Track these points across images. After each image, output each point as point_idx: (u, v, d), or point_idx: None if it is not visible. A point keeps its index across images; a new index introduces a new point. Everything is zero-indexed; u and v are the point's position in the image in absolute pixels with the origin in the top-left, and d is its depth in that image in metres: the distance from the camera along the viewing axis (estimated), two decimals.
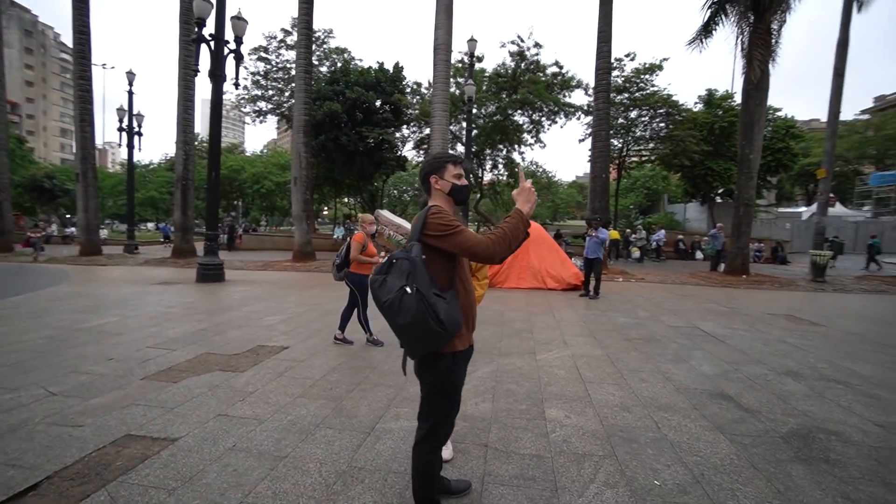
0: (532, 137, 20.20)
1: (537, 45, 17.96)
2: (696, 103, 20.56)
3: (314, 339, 5.00)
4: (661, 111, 19.04)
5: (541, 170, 35.04)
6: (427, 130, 20.96)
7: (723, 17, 11.27)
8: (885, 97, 59.51)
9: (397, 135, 21.46)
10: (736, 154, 20.47)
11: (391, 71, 20.22)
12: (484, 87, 18.69)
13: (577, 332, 5.66)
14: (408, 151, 22.76)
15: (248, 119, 21.06)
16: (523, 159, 21.78)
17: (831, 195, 17.22)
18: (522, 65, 18.34)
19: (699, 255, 18.56)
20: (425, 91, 20.59)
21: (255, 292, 8.10)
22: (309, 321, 5.91)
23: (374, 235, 16.48)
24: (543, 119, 19.39)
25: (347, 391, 3.46)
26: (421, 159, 23.09)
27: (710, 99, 20.54)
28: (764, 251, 18.67)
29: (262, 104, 20.92)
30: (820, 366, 4.45)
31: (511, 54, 18.32)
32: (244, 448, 2.52)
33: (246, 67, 19.62)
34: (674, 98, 18.59)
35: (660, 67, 18.27)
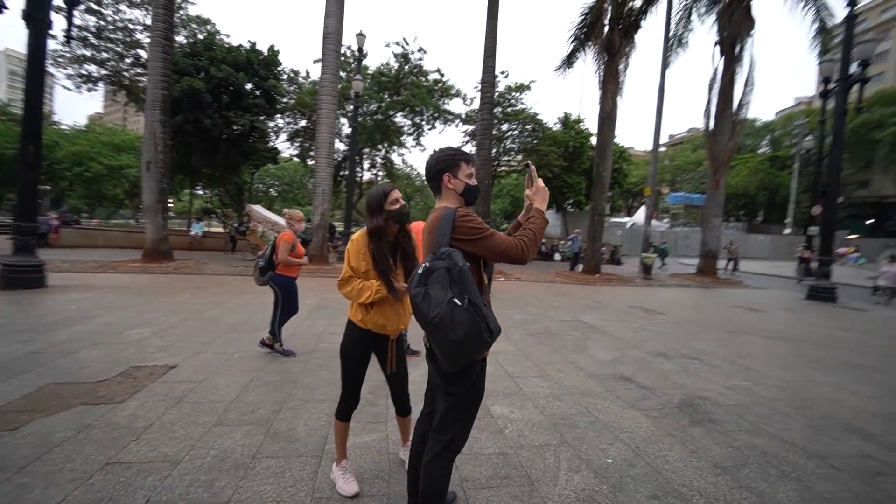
0: (413, 140, 20.57)
1: (421, 49, 18.40)
2: (555, 123, 23.55)
3: (206, 354, 4.24)
4: (529, 127, 21.30)
5: (415, 172, 35.92)
6: (303, 122, 19.64)
7: (584, 52, 13.20)
8: (674, 136, 77.20)
9: (270, 124, 19.56)
10: (586, 170, 24.14)
11: (265, 53, 18.32)
12: (366, 85, 18.35)
13: None
14: (281, 143, 20.96)
15: (69, 84, 16.66)
16: (403, 161, 22.08)
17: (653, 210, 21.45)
18: (406, 67, 18.54)
19: (557, 256, 21.27)
20: (303, 80, 19.26)
21: (101, 300, 6.50)
22: (190, 333, 4.99)
23: (244, 232, 14.87)
24: (424, 123, 19.92)
25: (274, 412, 3.02)
26: (296, 152, 21.52)
27: (566, 121, 23.73)
28: (605, 253, 22.31)
29: (93, 68, 16.83)
30: (677, 347, 5.50)
31: (396, 55, 18.39)
32: (164, 503, 1.99)
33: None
34: (538, 116, 20.99)
35: (528, 88, 20.43)
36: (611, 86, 11.89)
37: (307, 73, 19.88)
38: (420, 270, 1.53)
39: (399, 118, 19.76)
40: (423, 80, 18.58)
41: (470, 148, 22.90)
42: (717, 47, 13.07)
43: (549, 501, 2.13)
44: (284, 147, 21.35)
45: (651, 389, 3.86)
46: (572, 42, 13.13)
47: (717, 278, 14.59)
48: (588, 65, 12.85)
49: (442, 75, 19.15)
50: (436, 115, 19.58)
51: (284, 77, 19.08)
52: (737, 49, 12.77)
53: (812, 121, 37.68)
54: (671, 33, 14.52)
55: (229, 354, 4.26)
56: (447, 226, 1.59)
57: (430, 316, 1.44)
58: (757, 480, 2.43)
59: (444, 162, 1.73)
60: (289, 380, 3.68)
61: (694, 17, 14.36)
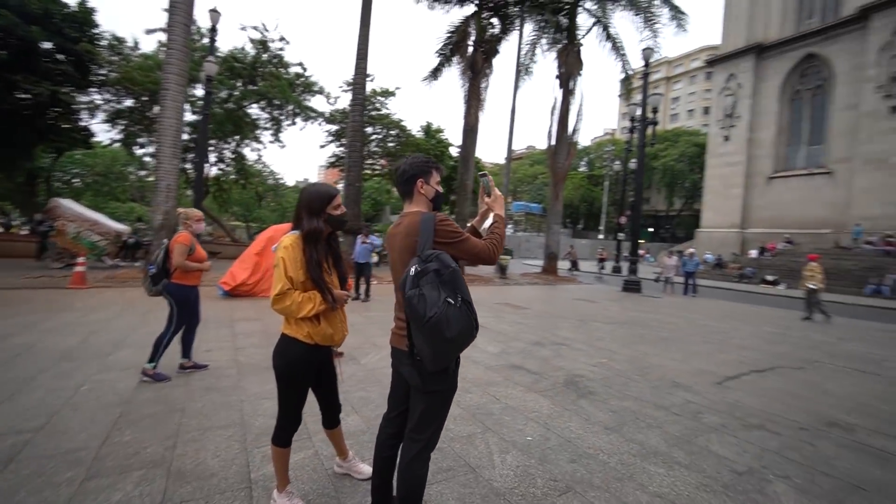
0: (272, 135, 18.94)
1: (283, 39, 17.09)
2: (417, 131, 24.40)
3: (34, 394, 3.27)
4: (393, 133, 21.65)
5: (268, 170, 33.17)
6: (130, 101, 16.33)
7: (449, 67, 14.15)
8: (514, 151, 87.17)
9: (84, 99, 15.63)
10: (445, 178, 25.65)
11: (75, 8, 14.53)
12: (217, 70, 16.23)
13: (377, 334, 5.91)
14: (98, 124, 16.91)
15: None
16: (259, 157, 20.15)
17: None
18: (265, 55, 17.00)
19: None
20: (130, 51, 15.96)
21: None
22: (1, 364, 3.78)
23: (46, 233, 11.85)
24: (283, 118, 18.54)
25: (167, 448, 2.54)
26: (118, 136, 17.67)
27: (428, 129, 24.84)
28: None
29: None
30: (547, 336, 6.35)
31: (252, 41, 16.68)
32: None
33: None
34: (403, 123, 21.50)
35: (392, 94, 20.76)
36: (474, 102, 13.03)
37: (136, 42, 16.58)
38: (412, 272, 1.56)
39: (255, 110, 17.97)
40: (284, 71, 17.30)
41: (335, 149, 22.18)
42: (557, 80, 15.41)
43: (493, 482, 2.33)
44: (102, 129, 17.41)
45: (540, 374, 4.42)
46: (439, 57, 13.97)
47: (558, 276, 17.12)
48: (453, 79, 13.87)
49: (304, 69, 18.14)
50: (297, 110, 18.41)
51: (104, 44, 15.50)
52: (571, 84, 15.27)
53: (617, 149, 47.03)
54: (521, 62, 16.59)
55: (73, 390, 3.38)
56: (429, 229, 1.66)
57: (427, 315, 1.50)
58: (635, 433, 3.05)
59: (419, 168, 1.80)
60: (174, 408, 3.12)
61: (538, 51, 16.65)
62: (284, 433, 1.97)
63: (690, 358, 5.45)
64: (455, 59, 13.70)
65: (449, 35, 13.59)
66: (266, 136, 19.59)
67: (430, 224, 1.67)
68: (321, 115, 19.72)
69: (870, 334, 8.30)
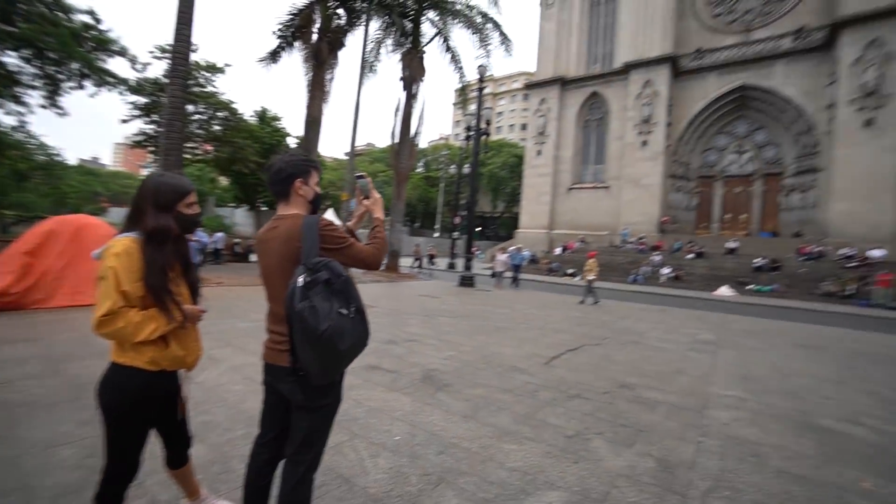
0: (44, 97, 14.37)
1: None
2: (251, 116, 21.89)
3: None
4: (221, 115, 18.92)
5: (36, 142, 25.12)
6: None
7: (290, 51, 13.07)
8: (355, 147, 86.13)
9: None
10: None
11: None
12: None
13: (214, 345, 5.13)
14: None
15: None
16: (21, 123, 15.19)
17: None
18: None
19: (254, 257, 19.90)
20: None
21: None
22: None
23: None
24: (64, 78, 14.30)
25: None
26: None
27: (263, 116, 22.50)
28: None
29: None
30: (398, 333, 6.50)
31: None
32: None
33: None
34: (233, 105, 18.98)
35: (221, 70, 18.11)
36: (318, 92, 12.37)
37: None
38: (300, 284, 1.44)
39: (13, 59, 13.34)
40: (62, 15, 13.31)
41: (142, 125, 18.28)
42: (402, 82, 15.82)
43: (369, 489, 2.31)
44: None
45: (397, 372, 4.52)
46: (279, 39, 12.80)
47: (400, 273, 17.62)
48: (296, 66, 12.87)
49: (98, 21, 14.28)
50: (85, 71, 14.43)
51: None
52: (414, 88, 15.88)
53: (452, 153, 50.68)
54: (366, 59, 16.47)
55: None
56: (314, 235, 1.55)
57: (320, 329, 1.41)
58: (488, 417, 3.41)
59: (298, 167, 1.67)
60: None
61: (383, 51, 16.82)
62: (116, 486, 1.58)
63: (523, 344, 6.32)
64: (298, 45, 12.75)
65: (291, 17, 12.57)
66: (35, 97, 14.80)
67: (314, 229, 1.56)
68: (123, 82, 15.90)
69: (633, 313, 10.95)
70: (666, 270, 22.26)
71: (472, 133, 15.24)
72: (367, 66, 17.09)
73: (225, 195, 30.58)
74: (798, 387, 4.93)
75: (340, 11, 13.78)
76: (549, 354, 5.72)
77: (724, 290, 19.27)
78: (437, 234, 45.12)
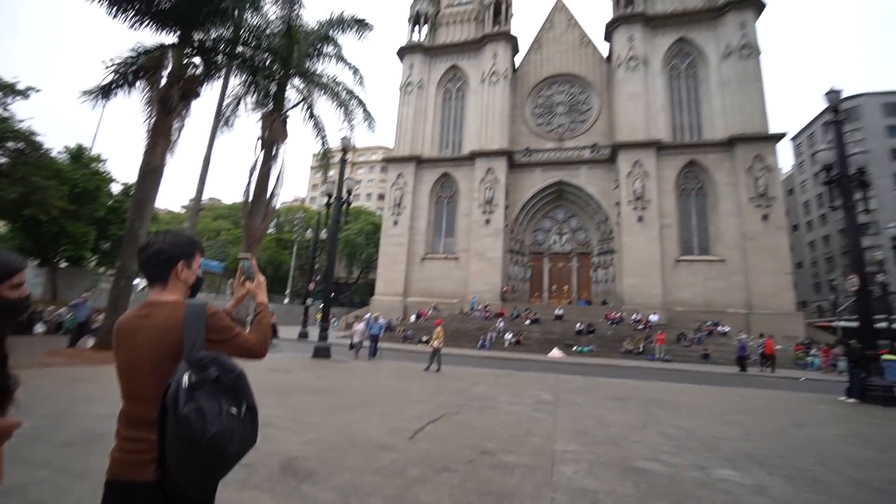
0: None
1: None
2: (61, 152, 17.85)
3: None
4: (15, 146, 14.98)
5: None
6: None
7: (127, 91, 11.53)
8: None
9: None
10: (98, 219, 19.62)
11: None
12: None
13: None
14: None
15: None
16: None
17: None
18: None
19: (40, 327, 15.34)
20: None
21: None
22: None
23: None
24: None
25: None
26: None
27: (79, 154, 18.56)
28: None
29: None
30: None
31: None
32: None
33: None
34: (37, 138, 15.28)
35: (22, 93, 14.65)
36: (162, 140, 11.01)
37: None
38: (185, 384, 1.28)
39: None
40: None
41: None
42: (260, 142, 15.24)
43: None
44: None
45: (252, 465, 3.95)
46: (115, 75, 11.21)
47: None
48: (135, 106, 11.17)
49: None
50: None
51: None
52: (274, 149, 15.42)
53: (307, 217, 49.21)
54: (222, 113, 15.56)
55: None
56: (199, 325, 1.44)
57: (209, 433, 1.27)
58: (357, 502, 3.22)
59: (182, 249, 1.56)
60: None
61: (242, 107, 16.14)
62: None
63: (386, 418, 6.18)
64: (140, 85, 11.36)
65: (134, 56, 11.26)
66: None
67: (199, 319, 1.44)
68: None
69: (484, 379, 11.75)
70: (509, 336, 24.68)
71: (332, 201, 15.30)
72: (222, 120, 16.11)
73: (7, 244, 23.41)
74: (616, 435, 5.91)
75: (197, 60, 12.96)
76: (413, 427, 5.71)
77: (556, 352, 22.17)
78: (286, 301, 41.83)
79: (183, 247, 1.55)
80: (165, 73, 11.83)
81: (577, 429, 6.18)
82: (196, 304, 1.50)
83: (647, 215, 29.92)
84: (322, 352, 13.89)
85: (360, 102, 17.31)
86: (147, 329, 1.42)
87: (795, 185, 56.43)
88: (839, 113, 11.20)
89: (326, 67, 16.97)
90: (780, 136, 29.57)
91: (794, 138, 57.27)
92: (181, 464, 1.27)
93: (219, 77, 15.14)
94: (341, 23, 16.36)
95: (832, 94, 11.37)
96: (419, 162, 37.25)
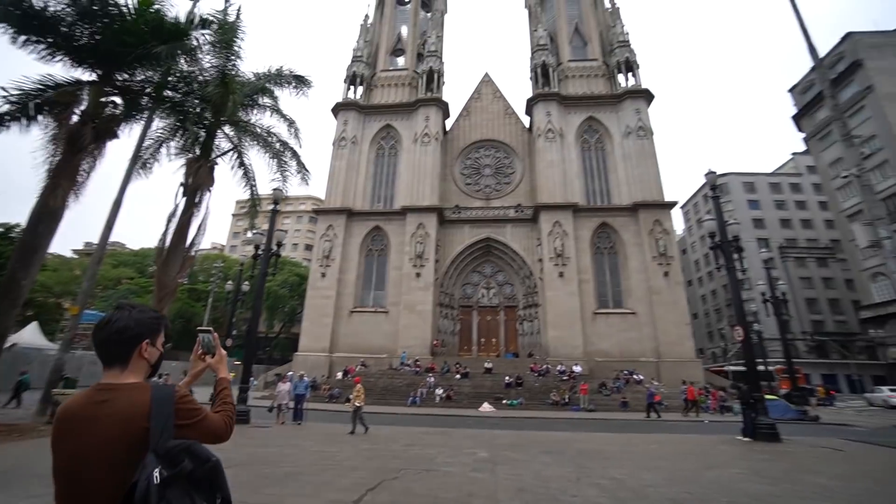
0: None
1: None
2: None
3: None
4: None
5: None
6: None
7: (25, 124, 10.35)
8: (91, 244, 68.90)
9: None
10: None
11: None
12: None
13: None
14: None
15: None
16: None
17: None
18: None
19: None
20: None
21: None
22: None
23: None
24: None
25: None
26: None
27: None
28: None
29: None
30: None
31: None
32: None
33: None
34: None
35: None
36: (66, 182, 9.88)
37: None
38: (155, 480, 1.17)
39: None
40: None
41: None
42: (182, 188, 14.33)
43: None
44: None
45: None
46: (9, 104, 10.00)
47: None
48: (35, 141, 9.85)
49: None
50: None
51: None
52: (198, 196, 14.55)
53: (227, 266, 45.90)
54: (140, 155, 14.57)
55: None
56: (168, 410, 1.32)
57: None
58: None
59: (147, 326, 1.46)
60: None
61: (164, 151, 15.22)
62: None
63: (320, 490, 5.70)
64: (44, 120, 10.27)
65: (40, 88, 10.25)
66: None
67: (168, 404, 1.33)
68: None
69: (419, 438, 11.33)
70: (439, 391, 24.21)
71: (261, 252, 14.61)
72: (139, 164, 15.01)
73: None
74: (555, 490, 6.00)
75: (118, 100, 12.17)
76: (349, 499, 5.33)
77: (486, 406, 22.09)
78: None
79: (149, 323, 1.46)
80: (79, 109, 10.94)
81: (518, 486, 6.18)
82: (162, 387, 1.41)
83: (566, 271, 32.19)
84: (240, 416, 12.53)
85: (295, 154, 17.21)
86: (105, 417, 1.27)
87: (687, 246, 64.63)
88: (716, 190, 13.47)
89: (261, 118, 16.76)
90: (673, 204, 34.27)
91: (682, 206, 66.40)
92: None
93: (140, 118, 14.33)
94: (280, 77, 16.55)
95: (710, 175, 13.72)
96: (350, 214, 37.07)
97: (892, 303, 35.48)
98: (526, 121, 41.69)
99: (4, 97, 10.48)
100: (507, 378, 25.97)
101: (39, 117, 10.58)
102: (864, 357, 42.50)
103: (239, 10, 14.91)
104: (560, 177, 35.61)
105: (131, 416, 1.28)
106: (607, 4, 43.50)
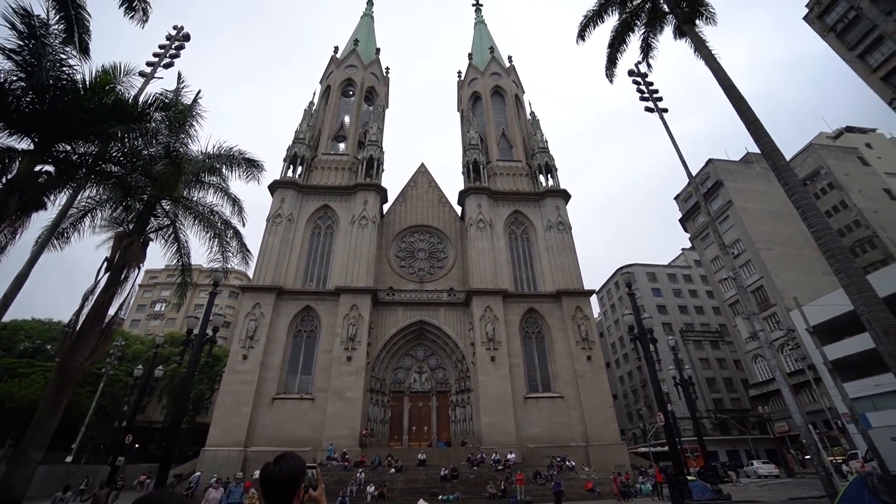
0: None
1: None
2: None
3: None
4: None
5: None
6: None
7: None
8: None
9: None
10: None
11: None
12: None
13: None
14: None
15: None
16: None
17: None
18: None
19: None
20: None
21: None
22: None
23: None
24: None
25: None
26: None
27: None
28: None
29: None
30: None
31: None
32: None
33: None
34: None
35: None
36: None
37: None
38: None
39: None
40: None
41: None
42: (107, 263, 13.29)
43: None
44: None
45: None
46: None
47: None
48: None
49: None
50: None
51: None
52: (124, 272, 13.53)
53: (129, 343, 40.42)
54: (60, 224, 13.52)
55: None
56: None
57: None
58: None
59: (303, 471, 1.74)
60: None
61: (87, 221, 14.32)
62: None
63: None
64: None
65: None
66: None
67: None
68: None
69: None
70: (370, 488, 22.32)
71: (194, 338, 13.59)
72: (54, 234, 13.80)
73: None
74: None
75: (51, 169, 11.50)
76: None
77: None
78: (69, 458, 30.58)
79: (304, 469, 1.72)
80: (5, 178, 10.21)
81: None
82: None
83: (498, 355, 32.99)
84: None
85: (237, 234, 16.94)
86: None
87: (604, 329, 69.65)
88: (631, 288, 15.56)
89: (205, 196, 16.53)
90: (591, 292, 37.72)
91: (598, 292, 72.70)
92: None
93: (68, 188, 13.50)
94: (230, 158, 16.78)
95: (626, 275, 15.93)
96: (280, 292, 35.52)
97: (772, 381, 40.62)
98: (458, 209, 44.79)
99: None
100: (442, 470, 24.79)
101: None
102: (756, 432, 47.02)
103: (198, 93, 15.36)
104: (491, 264, 37.92)
105: None
106: (528, 116, 50.60)
